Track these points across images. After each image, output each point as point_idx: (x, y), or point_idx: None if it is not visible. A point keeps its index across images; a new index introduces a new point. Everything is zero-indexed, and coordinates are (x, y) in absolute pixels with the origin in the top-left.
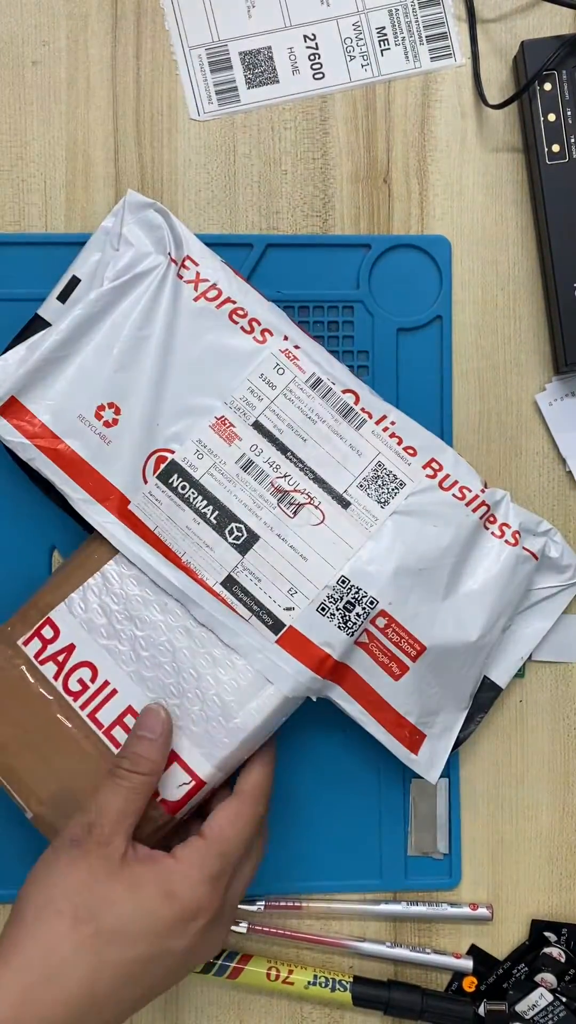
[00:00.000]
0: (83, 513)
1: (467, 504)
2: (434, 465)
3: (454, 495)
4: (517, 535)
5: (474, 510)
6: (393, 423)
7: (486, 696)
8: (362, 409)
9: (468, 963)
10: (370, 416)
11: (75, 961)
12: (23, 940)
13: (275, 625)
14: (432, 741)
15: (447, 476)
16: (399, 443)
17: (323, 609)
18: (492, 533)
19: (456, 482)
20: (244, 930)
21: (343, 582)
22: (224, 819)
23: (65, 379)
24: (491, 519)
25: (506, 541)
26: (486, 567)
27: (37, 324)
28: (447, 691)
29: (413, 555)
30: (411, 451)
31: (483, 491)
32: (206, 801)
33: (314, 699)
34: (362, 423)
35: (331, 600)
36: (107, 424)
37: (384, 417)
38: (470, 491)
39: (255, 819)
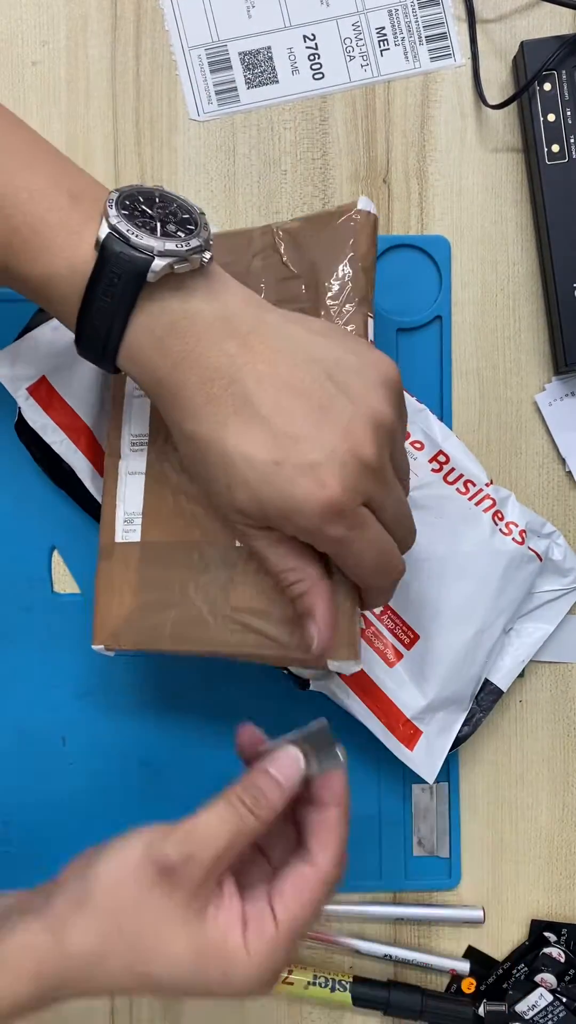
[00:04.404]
0: (101, 501)
1: (471, 498)
2: (440, 458)
3: (458, 489)
4: (524, 534)
5: (477, 503)
6: None
7: (487, 698)
8: None
9: (465, 965)
10: None
11: (113, 979)
12: (84, 922)
13: None
14: (429, 739)
15: (452, 469)
16: (407, 438)
17: None
18: (500, 530)
19: (461, 476)
20: None
21: None
22: (299, 903)
23: (91, 365)
24: (498, 515)
25: (513, 539)
26: (490, 563)
27: None
28: (446, 689)
29: (415, 547)
30: (418, 445)
31: (488, 485)
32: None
33: (312, 687)
34: None
35: None
36: None
37: None
38: (474, 485)
39: (331, 893)
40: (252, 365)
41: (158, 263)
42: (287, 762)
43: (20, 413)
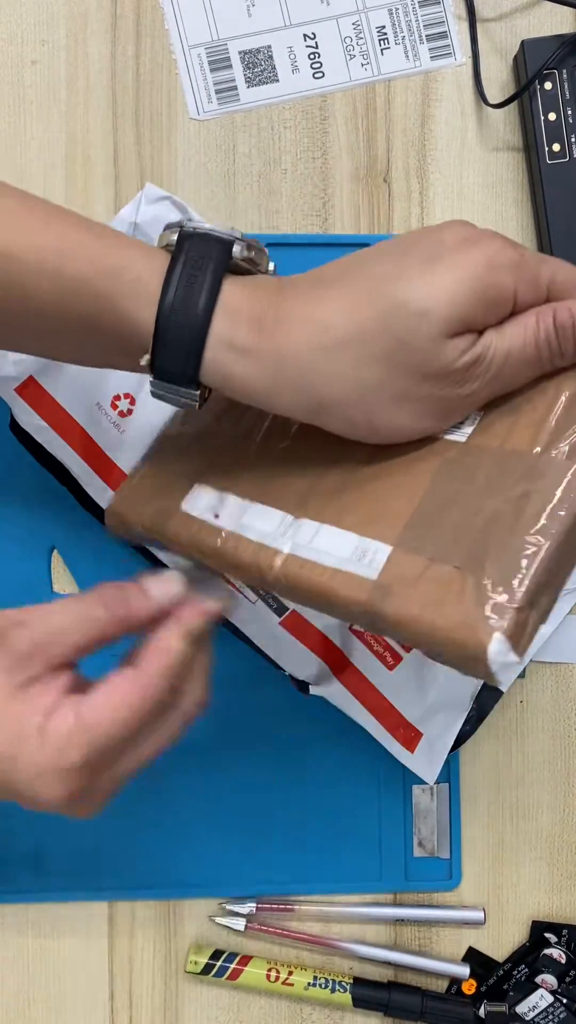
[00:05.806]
0: (98, 500)
1: None
2: None
3: None
4: None
5: None
6: None
7: (487, 699)
8: None
9: (464, 969)
10: None
11: None
12: None
13: (279, 609)
14: (429, 740)
15: None
16: None
17: None
18: None
19: None
20: (242, 927)
21: None
22: (107, 704)
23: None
24: None
25: None
26: None
27: None
28: (446, 691)
29: None
30: None
31: None
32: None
33: (310, 692)
34: None
35: None
36: (122, 414)
37: None
38: None
39: (149, 704)
40: (352, 257)
41: (238, 246)
42: (162, 579)
43: (12, 414)
